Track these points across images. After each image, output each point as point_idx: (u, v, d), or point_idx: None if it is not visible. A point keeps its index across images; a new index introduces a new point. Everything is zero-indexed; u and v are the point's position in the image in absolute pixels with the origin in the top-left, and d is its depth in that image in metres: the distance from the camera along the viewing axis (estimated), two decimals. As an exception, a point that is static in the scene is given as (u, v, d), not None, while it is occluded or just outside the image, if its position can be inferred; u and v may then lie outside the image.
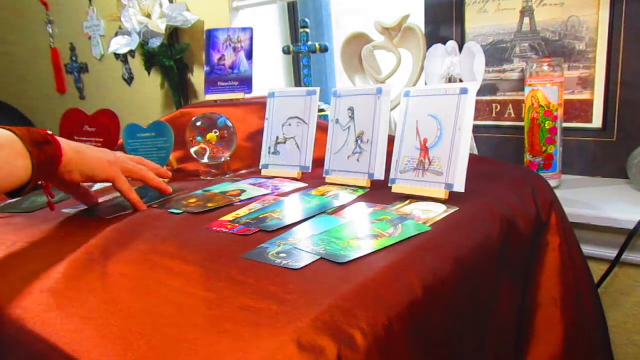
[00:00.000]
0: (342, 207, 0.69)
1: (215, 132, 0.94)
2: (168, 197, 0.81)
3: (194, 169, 1.03)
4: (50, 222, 0.74)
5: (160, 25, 1.47)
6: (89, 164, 0.69)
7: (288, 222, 0.64)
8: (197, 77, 1.60)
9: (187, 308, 0.42)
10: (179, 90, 1.62)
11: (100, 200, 0.86)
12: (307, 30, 1.23)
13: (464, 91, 0.67)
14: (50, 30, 1.97)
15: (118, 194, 0.78)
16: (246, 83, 1.15)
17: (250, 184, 0.85)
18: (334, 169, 0.82)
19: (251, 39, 1.15)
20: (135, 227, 0.68)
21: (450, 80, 0.98)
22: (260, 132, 0.96)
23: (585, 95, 0.95)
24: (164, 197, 0.80)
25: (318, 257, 0.52)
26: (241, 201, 0.76)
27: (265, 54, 1.49)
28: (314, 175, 0.86)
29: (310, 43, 1.23)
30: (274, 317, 0.40)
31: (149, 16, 1.49)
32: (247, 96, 1.15)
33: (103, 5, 1.76)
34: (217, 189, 0.84)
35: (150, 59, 1.58)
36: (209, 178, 0.96)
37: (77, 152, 0.68)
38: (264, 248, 0.56)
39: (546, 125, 0.88)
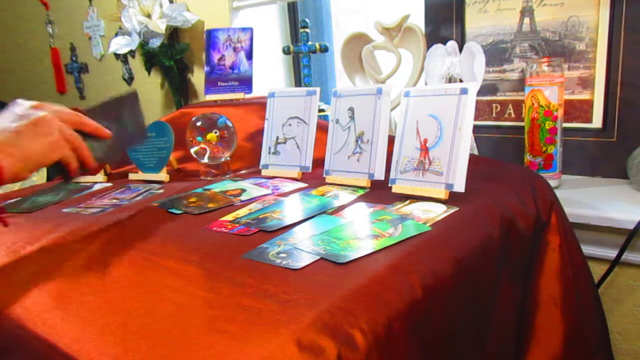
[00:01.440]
0: (342, 207, 0.69)
1: (215, 132, 0.94)
2: (166, 195, 0.81)
3: (194, 169, 1.03)
4: (50, 222, 0.74)
5: (160, 25, 1.47)
6: (32, 158, 0.56)
7: (288, 222, 0.64)
8: (197, 77, 1.60)
9: (187, 308, 0.42)
10: (179, 90, 1.62)
11: (98, 202, 0.86)
12: (307, 30, 1.23)
13: (464, 91, 0.67)
14: (50, 30, 1.97)
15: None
16: (246, 83, 1.15)
17: (251, 184, 0.85)
18: (334, 169, 0.82)
19: (251, 39, 1.15)
20: (135, 227, 0.68)
21: (450, 80, 0.98)
22: (260, 132, 0.96)
23: (585, 95, 0.95)
24: (108, 154, 0.70)
25: (318, 257, 0.52)
26: (241, 201, 0.76)
27: (265, 54, 1.49)
28: (314, 175, 0.86)
29: (310, 43, 1.23)
30: (274, 317, 0.40)
31: (149, 16, 1.49)
32: (247, 96, 1.15)
33: (103, 5, 1.76)
34: (217, 187, 0.84)
35: (150, 59, 1.58)
36: (209, 178, 0.96)
37: (10, 154, 0.54)
38: (264, 248, 0.56)
39: (546, 125, 0.88)
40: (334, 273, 0.48)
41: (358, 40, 1.19)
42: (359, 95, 0.80)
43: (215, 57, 1.16)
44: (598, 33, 0.91)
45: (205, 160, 0.95)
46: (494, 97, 1.05)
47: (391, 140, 0.75)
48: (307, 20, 1.24)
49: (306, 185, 0.83)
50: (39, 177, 1.35)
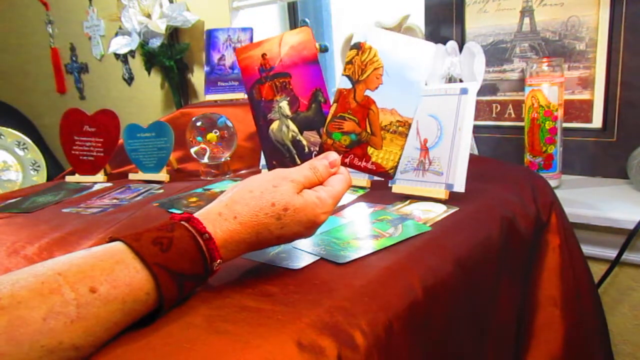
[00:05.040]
0: (342, 207, 0.69)
1: (215, 132, 0.94)
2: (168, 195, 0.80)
3: (194, 169, 1.03)
4: (50, 222, 0.74)
5: (160, 25, 1.47)
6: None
7: (288, 222, 0.64)
8: (197, 77, 1.60)
9: (187, 308, 0.42)
10: (179, 90, 1.62)
11: (98, 202, 0.86)
12: (307, 30, 1.23)
13: (464, 91, 0.67)
14: (50, 30, 1.97)
15: (116, 193, 0.77)
16: (246, 83, 1.14)
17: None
18: (334, 169, 0.82)
19: (251, 39, 1.15)
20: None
21: (450, 80, 0.98)
22: (260, 132, 0.95)
23: (585, 95, 0.95)
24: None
25: (318, 257, 0.52)
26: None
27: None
28: (314, 175, 0.86)
29: (310, 43, 1.23)
30: (274, 317, 0.40)
31: (149, 16, 1.49)
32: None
33: (103, 5, 1.76)
34: (217, 187, 0.84)
35: (150, 59, 1.58)
36: (209, 178, 0.96)
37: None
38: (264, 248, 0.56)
39: (546, 125, 0.88)
40: (334, 273, 0.48)
41: (358, 40, 1.19)
42: (359, 95, 0.80)
43: (215, 57, 1.16)
44: (598, 33, 0.91)
45: (205, 160, 0.95)
46: (494, 97, 1.05)
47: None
48: (307, 20, 1.24)
49: (306, 185, 0.83)
50: (39, 177, 1.35)
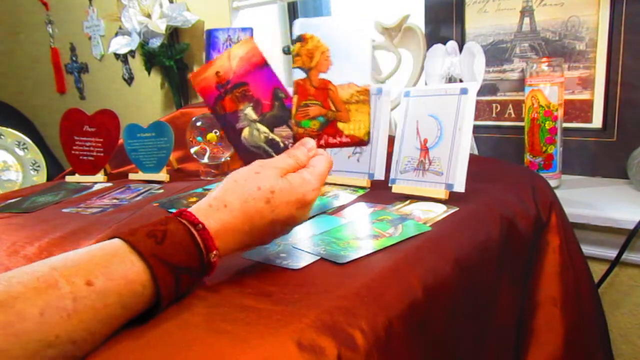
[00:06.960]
0: (342, 207, 0.69)
1: (215, 132, 0.94)
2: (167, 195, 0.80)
3: (194, 169, 1.03)
4: (50, 222, 0.74)
5: (160, 25, 1.47)
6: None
7: (288, 222, 0.64)
8: (197, 77, 1.60)
9: (186, 307, 0.42)
10: (179, 90, 1.62)
11: (98, 202, 0.86)
12: (307, 30, 1.23)
13: (464, 91, 0.67)
14: (50, 30, 1.97)
15: (115, 193, 0.77)
16: (246, 83, 1.14)
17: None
18: (334, 169, 0.82)
19: (251, 39, 1.15)
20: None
21: (450, 80, 0.98)
22: (260, 132, 0.95)
23: (585, 95, 0.95)
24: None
25: (318, 257, 0.52)
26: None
27: (265, 54, 1.49)
28: (314, 175, 0.85)
29: (310, 43, 1.23)
30: (274, 317, 0.40)
31: (149, 16, 1.49)
32: (247, 96, 1.15)
33: (103, 5, 1.76)
34: (217, 189, 0.84)
35: (150, 59, 1.58)
36: (209, 178, 0.96)
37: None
38: (264, 248, 0.56)
39: (546, 125, 0.88)
40: (334, 273, 0.48)
41: (358, 40, 1.19)
42: (359, 95, 0.80)
43: (215, 57, 1.16)
44: (598, 33, 0.91)
45: (205, 160, 0.95)
46: (494, 97, 1.06)
47: (391, 140, 0.75)
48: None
49: (306, 185, 0.83)
50: (39, 177, 1.35)
